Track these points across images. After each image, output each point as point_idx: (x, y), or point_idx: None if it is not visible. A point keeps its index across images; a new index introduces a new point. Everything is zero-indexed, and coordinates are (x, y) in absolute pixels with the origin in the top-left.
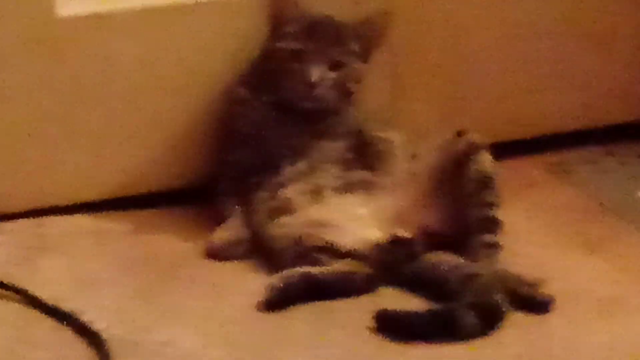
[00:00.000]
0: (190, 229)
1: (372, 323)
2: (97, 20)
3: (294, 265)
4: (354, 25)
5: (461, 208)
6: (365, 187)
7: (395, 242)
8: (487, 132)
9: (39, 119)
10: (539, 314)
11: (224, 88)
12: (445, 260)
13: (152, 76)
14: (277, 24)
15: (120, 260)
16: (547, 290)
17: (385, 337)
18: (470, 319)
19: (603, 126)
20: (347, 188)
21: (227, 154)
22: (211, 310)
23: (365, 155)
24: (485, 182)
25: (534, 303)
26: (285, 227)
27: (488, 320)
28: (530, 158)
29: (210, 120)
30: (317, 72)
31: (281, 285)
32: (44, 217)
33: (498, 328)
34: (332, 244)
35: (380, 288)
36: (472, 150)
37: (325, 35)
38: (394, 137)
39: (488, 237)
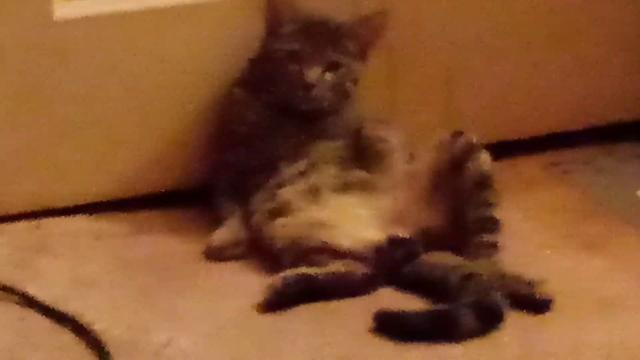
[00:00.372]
0: (189, 230)
1: (371, 323)
2: (95, 23)
3: (293, 266)
4: (350, 26)
5: (460, 208)
6: (363, 187)
7: (394, 242)
8: (485, 132)
9: (37, 121)
10: (538, 314)
11: (221, 89)
12: (444, 260)
13: (150, 78)
14: (274, 25)
15: (119, 262)
16: (546, 289)
17: (385, 338)
18: (469, 319)
19: (601, 126)
20: (346, 188)
21: (225, 155)
22: (210, 311)
23: (363, 156)
24: (484, 182)
25: (533, 303)
26: (284, 228)
27: (487, 320)
28: (529, 158)
29: (208, 121)
30: (314, 73)
31: (280, 286)
32: (43, 219)
33: (497, 328)
34: (330, 245)
35: (379, 288)
36: (470, 150)
37: (322, 36)
38: (392, 137)
39: (487, 237)
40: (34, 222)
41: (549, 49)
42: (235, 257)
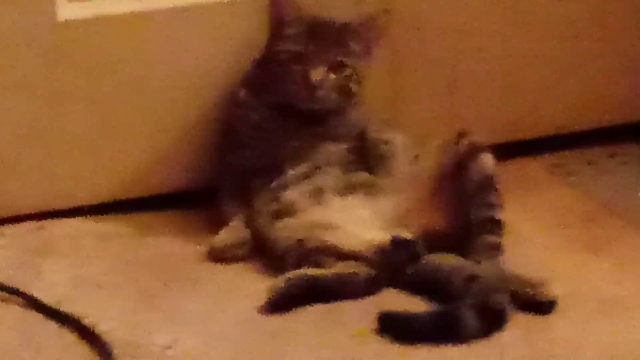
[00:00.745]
0: (193, 232)
1: (375, 324)
2: (98, 24)
3: (296, 267)
4: (354, 26)
5: (463, 209)
6: (367, 189)
7: (398, 243)
8: (488, 133)
9: (40, 122)
10: (541, 315)
11: (225, 90)
12: (447, 261)
13: (154, 79)
14: (278, 26)
15: (122, 263)
16: (549, 291)
17: (388, 339)
18: (472, 320)
19: (605, 127)
20: (349, 190)
21: (228, 156)
22: (214, 313)
23: (367, 157)
24: (487, 183)
25: (537, 304)
26: (287, 229)
27: (491, 322)
28: (532, 159)
29: (212, 122)
30: (318, 74)
31: (284, 287)
32: (46, 220)
33: (501, 329)
34: (334, 246)
35: (382, 289)
36: (473, 151)
37: (325, 37)
38: (396, 139)
39: (490, 238)
40: (37, 224)
41: (552, 50)
42: (239, 259)
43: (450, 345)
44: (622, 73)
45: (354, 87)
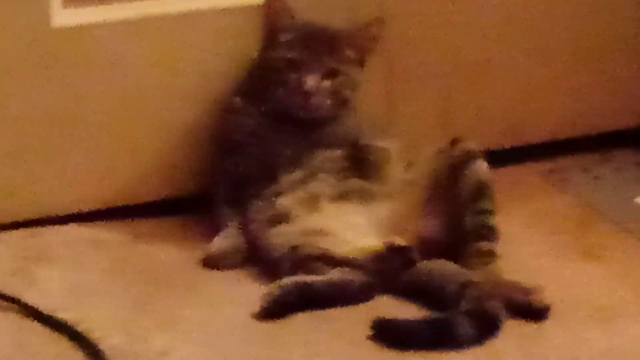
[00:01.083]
0: (187, 239)
1: (369, 331)
2: (92, 30)
3: (290, 274)
4: (348, 33)
5: (457, 216)
6: (361, 195)
7: (392, 250)
8: (482, 140)
9: (35, 129)
10: (535, 322)
11: (220, 97)
12: (441, 268)
13: (147, 86)
14: (272, 33)
15: (117, 270)
16: (543, 297)
17: (383, 346)
18: (467, 327)
19: (599, 133)
20: (344, 197)
21: (223, 163)
22: (208, 320)
23: (361, 164)
24: (481, 190)
25: (531, 311)
26: (281, 236)
27: (485, 328)
28: (526, 166)
29: (206, 129)
30: (312, 81)
31: (278, 294)
32: (40, 227)
33: (495, 336)
34: (328, 253)
35: (377, 296)
36: (467, 158)
37: (319, 44)
38: (390, 146)
39: (484, 245)
40: (32, 231)
41: (546, 57)
42: (234, 265)
43: (444, 351)
44: (617, 80)
45: (348, 94)
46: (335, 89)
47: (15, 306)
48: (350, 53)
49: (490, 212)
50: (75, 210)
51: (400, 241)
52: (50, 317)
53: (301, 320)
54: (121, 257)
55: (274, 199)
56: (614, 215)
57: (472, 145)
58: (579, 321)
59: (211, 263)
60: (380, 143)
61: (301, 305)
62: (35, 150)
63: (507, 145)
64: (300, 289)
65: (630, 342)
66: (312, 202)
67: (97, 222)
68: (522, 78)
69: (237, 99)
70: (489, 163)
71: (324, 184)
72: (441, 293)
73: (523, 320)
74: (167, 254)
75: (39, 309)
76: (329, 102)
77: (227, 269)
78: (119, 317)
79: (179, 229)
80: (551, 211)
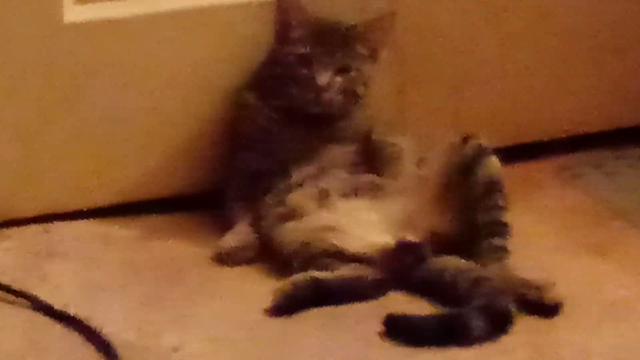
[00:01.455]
0: (199, 234)
1: (381, 328)
2: (104, 27)
3: (302, 270)
4: (360, 28)
5: (469, 212)
6: (373, 191)
7: (404, 246)
8: (494, 136)
9: (46, 125)
10: (547, 318)
11: (231, 93)
12: (453, 264)
13: (159, 82)
14: (284, 29)
15: (128, 266)
16: (555, 294)
17: (394, 342)
18: (478, 323)
19: (612, 129)
20: (355, 192)
21: (235, 159)
22: (220, 316)
23: (373, 160)
24: (493, 186)
25: (543, 307)
26: (293, 232)
27: (497, 325)
28: (539, 162)
29: (218, 125)
30: (324, 77)
31: (290, 290)
32: (52, 223)
33: (507, 332)
34: (340, 249)
35: (388, 292)
36: (480, 154)
37: (331, 39)
38: (402, 142)
39: (496, 241)
40: (43, 227)
41: (558, 52)
42: (245, 261)
43: (456, 348)
44: (630, 75)
45: (359, 89)
46: (347, 85)
47: (27, 302)
48: (362, 48)
49: (502, 208)
50: (87, 206)
51: (412, 237)
52: (62, 312)
53: (313, 317)
54: (132, 253)
55: (285, 194)
56: (626, 212)
57: (484, 141)
58: (591, 317)
59: (223, 259)
60: (392, 139)
61: (313, 302)
62: (46, 146)
63: (519, 141)
64: (311, 285)
65: None
66: (324, 198)
67: (109, 218)
68: (535, 74)
69: (249, 95)
70: (500, 159)
71: (335, 180)
72: (453, 289)
73: (535, 317)
74: (179, 250)
75: (51, 305)
76: (341, 97)
77: (239, 265)
78: (130, 313)
79: (190, 225)
80: (563, 207)
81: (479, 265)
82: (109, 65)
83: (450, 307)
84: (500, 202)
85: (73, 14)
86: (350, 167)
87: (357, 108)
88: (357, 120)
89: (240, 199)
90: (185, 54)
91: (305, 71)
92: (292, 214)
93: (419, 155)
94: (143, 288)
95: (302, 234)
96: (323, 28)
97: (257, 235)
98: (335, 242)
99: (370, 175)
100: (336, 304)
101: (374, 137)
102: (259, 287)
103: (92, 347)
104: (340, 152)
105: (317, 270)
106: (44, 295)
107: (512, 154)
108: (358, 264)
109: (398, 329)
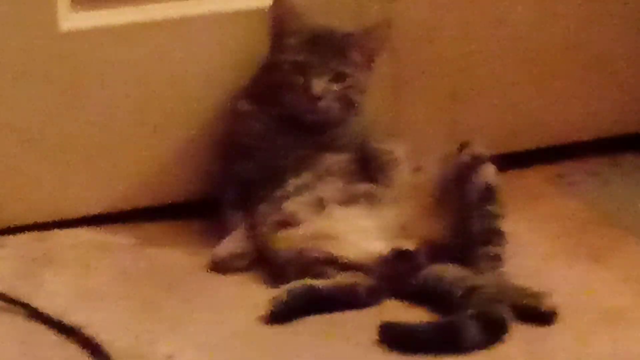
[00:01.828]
0: (194, 242)
1: (376, 335)
2: (100, 35)
3: (298, 278)
4: (355, 36)
5: (465, 220)
6: (368, 199)
7: (399, 254)
8: (490, 144)
9: (42, 133)
10: (543, 326)
11: (227, 101)
12: (449, 272)
13: (155, 89)
14: (279, 36)
15: (124, 273)
16: (550, 301)
17: (390, 349)
18: (474, 330)
19: (607, 137)
20: (351, 200)
21: (230, 166)
22: (215, 323)
23: (368, 168)
24: (489, 194)
25: (538, 314)
26: (289, 240)
27: (492, 332)
28: (534, 169)
29: (213, 133)
30: (320, 85)
31: (285, 298)
32: (48, 231)
33: (502, 340)
34: (335, 257)
35: (384, 300)
36: (475, 161)
37: (327, 47)
38: (397, 149)
39: (492, 249)
40: (39, 234)
41: (554, 60)
42: (240, 269)
43: (451, 355)
44: (626, 83)
45: (355, 97)
46: (342, 93)
47: (23, 309)
48: (357, 56)
49: (498, 216)
50: (83, 214)
51: (407, 245)
52: (58, 320)
53: (308, 324)
54: (128, 260)
55: (281, 202)
56: (621, 219)
57: (480, 148)
58: (586, 325)
59: (218, 267)
60: (387, 146)
61: (308, 309)
62: (42, 154)
63: (515, 149)
64: (307, 293)
65: (637, 346)
66: (320, 206)
67: (105, 226)
68: (531, 82)
69: (245, 103)
70: (496, 167)
71: (331, 188)
72: (448, 297)
73: (530, 325)
74: (175, 258)
75: (46, 313)
76: (336, 105)
77: (234, 273)
78: (126, 321)
79: (186, 232)
80: (559, 215)
81: (474, 272)
82: (104, 73)
83: (445, 314)
84: (496, 210)
85: (68, 22)
86: (346, 175)
87: (352, 116)
88: (353, 128)
89: (236, 206)
90: (181, 62)
91: (300, 79)
92: (288, 222)
93: (415, 163)
94: (139, 296)
95: (298, 242)
96: (318, 36)
97: (252, 243)
98: (331, 250)
99: (366, 182)
100: (332, 312)
101: (369, 145)
102: (255, 295)
103: (88, 355)
104: (336, 160)
105: (313, 278)
106: (40, 303)
107: (507, 161)
108: (354, 272)
109: (393, 337)
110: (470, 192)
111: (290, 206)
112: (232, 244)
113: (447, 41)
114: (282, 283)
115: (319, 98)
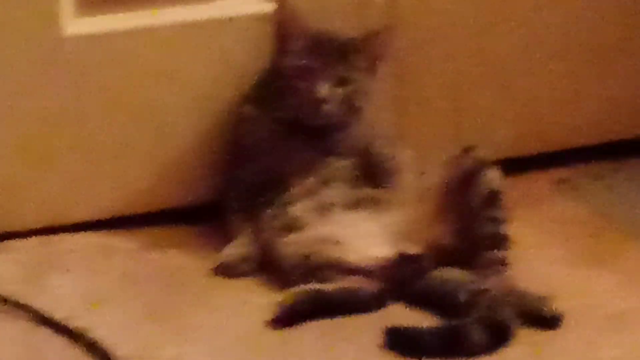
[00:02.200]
0: (199, 247)
1: (381, 339)
2: (104, 40)
3: (302, 282)
4: (359, 41)
5: (469, 224)
6: (373, 203)
7: (404, 258)
8: (494, 149)
9: (46, 138)
10: (548, 330)
11: (231, 106)
12: (453, 276)
13: (159, 94)
14: (283, 41)
15: (129, 278)
16: (556, 306)
17: (395, 354)
18: (479, 335)
19: (611, 142)
20: (355, 205)
21: (235, 171)
22: (220, 328)
23: (373, 172)
24: (493, 198)
25: (543, 319)
26: (293, 244)
27: (497, 337)
28: (538, 174)
29: (218, 137)
30: (324, 89)
31: (290, 302)
32: (52, 235)
33: (507, 344)
34: (340, 261)
35: (389, 304)
36: (480, 166)
37: (331, 52)
38: (402, 154)
39: (496, 253)
40: (43, 239)
41: (558, 65)
42: (245, 274)
43: None
44: (629, 87)
45: (359, 102)
46: (346, 97)
47: (27, 314)
48: (361, 61)
49: (502, 221)
50: (87, 218)
51: (412, 249)
52: (62, 324)
53: (313, 329)
54: (133, 265)
55: (285, 207)
56: (625, 223)
57: (484, 153)
58: (591, 329)
59: (223, 271)
60: (392, 151)
61: (313, 314)
62: (46, 159)
63: (519, 154)
64: (312, 297)
65: None
66: (324, 210)
67: (109, 230)
68: (535, 87)
69: (249, 107)
70: (500, 171)
71: (335, 192)
72: (453, 301)
73: (535, 329)
74: (179, 262)
75: (51, 317)
76: (340, 110)
77: (239, 277)
78: (131, 325)
79: (190, 237)
80: (563, 219)
81: (479, 277)
82: (106, 78)
83: (450, 319)
84: (500, 215)
85: (72, 26)
86: (351, 180)
87: (356, 121)
88: (357, 133)
89: (241, 211)
90: (185, 67)
91: (304, 83)
92: (293, 226)
93: (419, 168)
94: (143, 300)
95: (303, 246)
96: (322, 40)
97: (257, 247)
98: (335, 254)
99: (371, 187)
100: (337, 316)
101: (373, 149)
102: (260, 299)
103: (93, 359)
104: (340, 165)
105: (318, 282)
106: (45, 307)
107: (511, 166)
108: (358, 276)
109: (398, 341)
110: (474, 196)
111: (295, 211)
112: (237, 248)
113: (450, 47)
114: (287, 287)
115: (323, 103)
